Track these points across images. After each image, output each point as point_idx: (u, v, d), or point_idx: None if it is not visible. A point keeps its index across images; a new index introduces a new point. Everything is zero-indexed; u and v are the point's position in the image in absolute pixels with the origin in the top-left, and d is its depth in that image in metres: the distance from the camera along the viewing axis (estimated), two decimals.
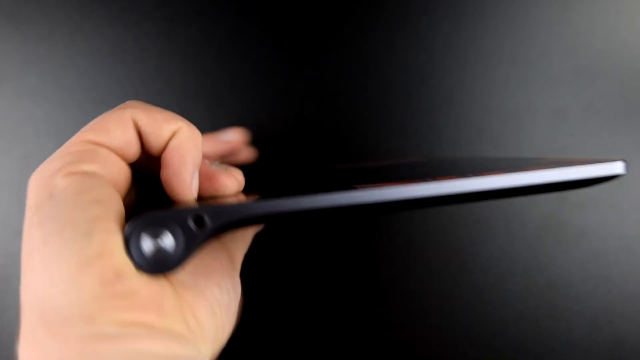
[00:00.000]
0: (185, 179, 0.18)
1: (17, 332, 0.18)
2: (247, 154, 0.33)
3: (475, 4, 0.36)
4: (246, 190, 0.21)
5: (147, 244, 0.16)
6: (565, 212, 0.37)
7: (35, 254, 0.16)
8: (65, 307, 0.15)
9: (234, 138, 0.29)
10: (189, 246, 0.16)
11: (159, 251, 0.16)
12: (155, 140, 0.19)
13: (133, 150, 0.19)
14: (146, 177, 0.21)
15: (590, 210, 0.37)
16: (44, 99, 0.37)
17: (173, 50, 0.36)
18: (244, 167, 0.30)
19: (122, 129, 0.18)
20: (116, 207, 0.17)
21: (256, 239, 0.37)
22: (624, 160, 0.19)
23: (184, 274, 0.19)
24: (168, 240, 0.16)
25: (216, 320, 0.19)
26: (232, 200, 0.17)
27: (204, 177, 0.20)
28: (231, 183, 0.20)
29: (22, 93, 0.36)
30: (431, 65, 0.37)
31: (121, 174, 0.18)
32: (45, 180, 0.17)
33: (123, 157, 0.19)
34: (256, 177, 0.27)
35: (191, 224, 0.16)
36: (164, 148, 0.19)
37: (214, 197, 0.19)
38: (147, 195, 0.22)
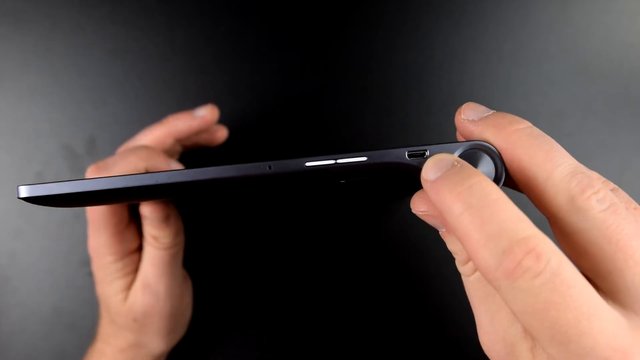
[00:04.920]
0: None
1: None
2: (219, 134, 0.34)
3: (475, 4, 0.36)
4: None
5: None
6: None
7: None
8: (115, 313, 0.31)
9: (205, 114, 0.32)
10: None
11: None
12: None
13: None
14: None
15: None
16: (44, 99, 0.36)
17: (173, 50, 0.36)
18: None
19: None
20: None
21: (253, 236, 0.37)
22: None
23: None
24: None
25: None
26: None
27: None
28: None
29: (22, 93, 0.36)
30: (431, 65, 0.37)
31: None
32: None
33: None
34: None
35: None
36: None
37: None
38: None
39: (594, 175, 0.17)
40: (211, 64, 0.37)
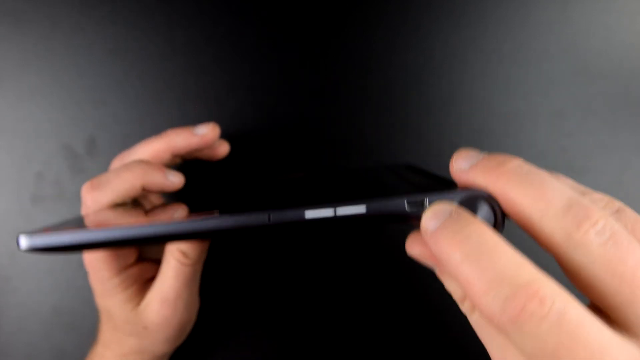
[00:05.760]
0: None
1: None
2: (221, 149, 0.33)
3: (475, 4, 0.36)
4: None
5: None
6: None
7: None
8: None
9: (206, 132, 0.31)
10: None
11: None
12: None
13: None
14: None
15: None
16: (44, 99, 0.36)
17: (173, 50, 0.36)
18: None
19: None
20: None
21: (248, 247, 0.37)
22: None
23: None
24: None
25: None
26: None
27: None
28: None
29: (22, 93, 0.36)
30: (431, 65, 0.37)
31: None
32: None
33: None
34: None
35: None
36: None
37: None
38: None
39: (595, 197, 0.17)
40: (211, 64, 0.37)
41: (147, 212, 0.26)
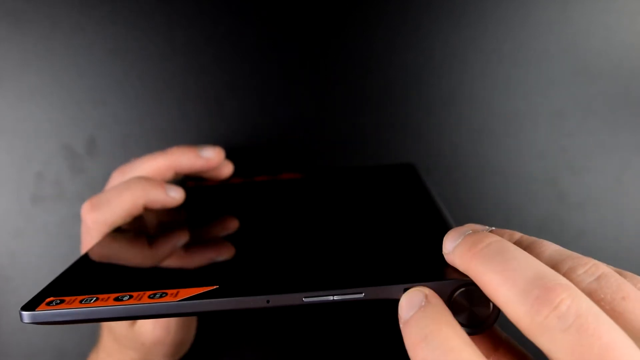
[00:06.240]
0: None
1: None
2: (225, 170, 0.33)
3: (475, 4, 0.36)
4: None
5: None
6: (565, 212, 0.37)
7: None
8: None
9: (211, 156, 0.31)
10: None
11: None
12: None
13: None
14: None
15: (590, 209, 0.37)
16: (44, 99, 0.36)
17: (173, 50, 0.36)
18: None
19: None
20: None
21: None
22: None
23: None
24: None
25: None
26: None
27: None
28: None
29: (22, 93, 0.36)
30: (431, 65, 0.37)
31: None
32: None
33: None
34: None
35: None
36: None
37: None
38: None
39: (578, 263, 0.16)
40: (211, 64, 0.37)
41: (149, 242, 0.26)
